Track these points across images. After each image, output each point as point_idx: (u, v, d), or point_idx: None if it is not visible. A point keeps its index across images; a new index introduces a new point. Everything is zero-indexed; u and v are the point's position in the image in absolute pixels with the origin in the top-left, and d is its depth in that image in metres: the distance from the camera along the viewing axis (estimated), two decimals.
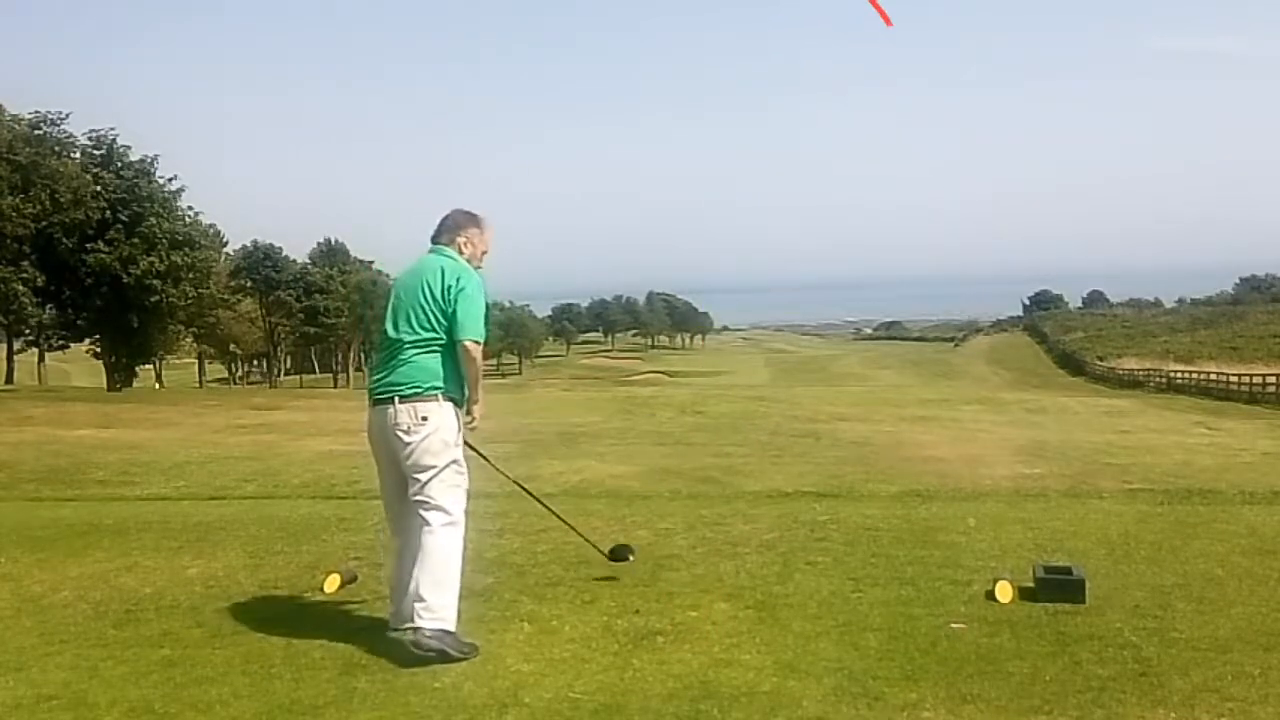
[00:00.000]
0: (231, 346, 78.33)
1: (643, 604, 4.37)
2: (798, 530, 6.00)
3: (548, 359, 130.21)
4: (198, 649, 3.94)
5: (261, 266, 71.93)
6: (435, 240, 4.16)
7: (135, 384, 46.52)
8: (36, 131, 35.72)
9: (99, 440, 16.57)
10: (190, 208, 43.22)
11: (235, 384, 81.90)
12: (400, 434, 3.91)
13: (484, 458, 4.41)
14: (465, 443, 4.10)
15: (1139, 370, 55.58)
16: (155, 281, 38.88)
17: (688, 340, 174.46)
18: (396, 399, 3.92)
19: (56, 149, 36.43)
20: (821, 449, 14.17)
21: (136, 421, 21.89)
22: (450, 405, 3.97)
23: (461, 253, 4.12)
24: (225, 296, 56.37)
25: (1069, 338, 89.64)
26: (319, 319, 74.83)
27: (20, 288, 35.07)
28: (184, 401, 32.63)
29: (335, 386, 75.29)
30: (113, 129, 40.43)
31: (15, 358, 50.06)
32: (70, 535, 6.49)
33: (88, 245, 37.76)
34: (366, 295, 76.99)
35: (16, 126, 35.17)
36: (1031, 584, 4.39)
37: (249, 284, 71.35)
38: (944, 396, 33.71)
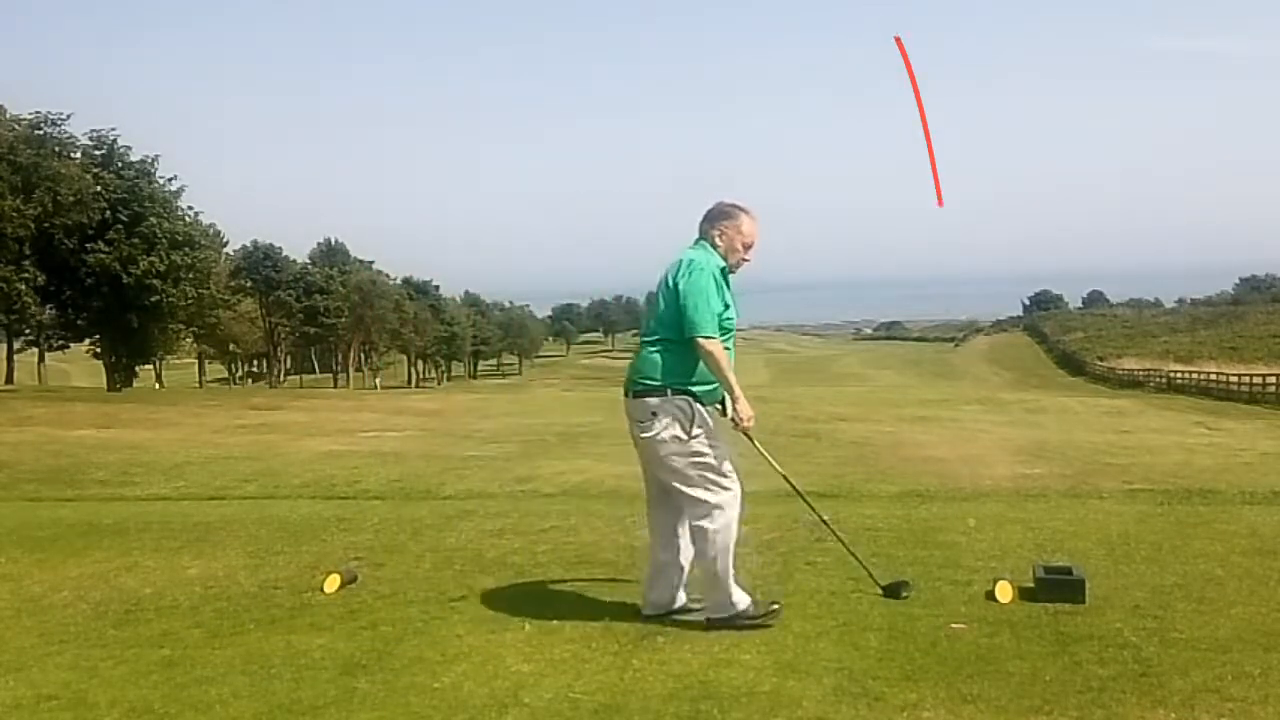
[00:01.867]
0: (231, 346, 78.34)
1: (643, 604, 4.37)
2: (798, 530, 5.99)
3: (548, 359, 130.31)
4: (198, 649, 3.93)
5: (261, 266, 71.98)
6: (699, 232, 4.15)
7: (135, 384, 46.51)
8: (37, 132, 35.71)
9: (99, 440, 16.57)
10: (190, 208, 43.30)
11: (235, 384, 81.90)
12: (636, 429, 4.01)
13: (761, 451, 4.34)
14: (747, 435, 4.09)
15: (1139, 370, 55.58)
16: (155, 281, 38.88)
17: None
18: (631, 394, 4.02)
19: (58, 149, 36.44)
20: (822, 449, 14.16)
21: (136, 421, 21.88)
22: (682, 399, 3.96)
23: (717, 246, 4.08)
24: (225, 296, 56.31)
25: (1069, 338, 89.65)
26: (319, 319, 74.87)
27: (23, 287, 35.10)
28: (184, 401, 32.62)
29: (335, 386, 75.30)
30: (113, 129, 40.52)
31: (15, 358, 50.06)
32: (70, 535, 6.49)
33: (88, 245, 37.76)
34: (366, 295, 77.09)
35: (17, 127, 35.18)
36: (1031, 584, 4.38)
37: (249, 284, 71.37)
38: (944, 397, 33.69)
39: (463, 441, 16.14)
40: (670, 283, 3.99)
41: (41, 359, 56.07)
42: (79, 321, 42.66)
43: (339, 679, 3.54)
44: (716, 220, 4.12)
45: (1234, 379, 38.70)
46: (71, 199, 35.07)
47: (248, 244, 73.06)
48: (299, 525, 6.70)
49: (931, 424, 20.30)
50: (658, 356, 3.99)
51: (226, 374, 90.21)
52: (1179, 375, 47.11)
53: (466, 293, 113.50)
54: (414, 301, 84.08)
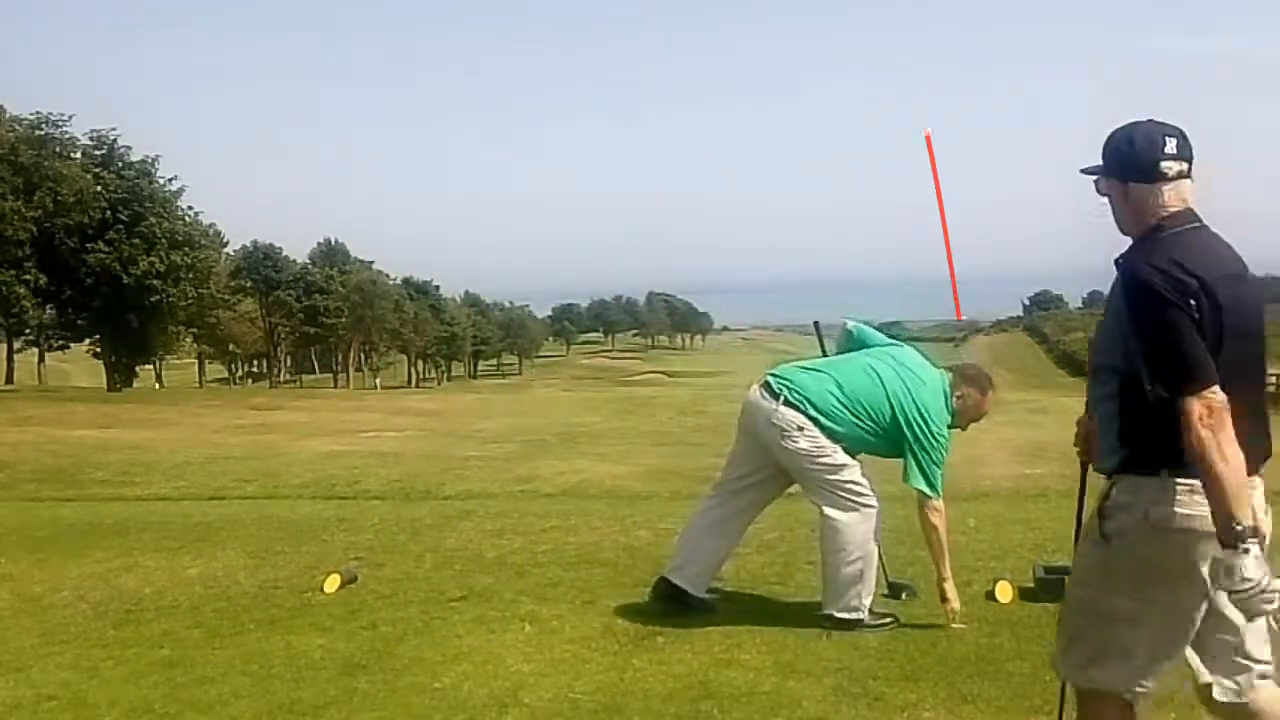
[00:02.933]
0: (231, 346, 78.33)
1: (643, 604, 4.37)
2: (798, 530, 5.98)
3: (548, 359, 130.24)
4: (198, 649, 3.94)
5: (261, 266, 71.92)
6: (949, 369, 4.25)
7: (135, 384, 46.51)
8: (38, 133, 35.71)
9: (99, 440, 16.56)
10: (190, 208, 43.28)
11: (235, 384, 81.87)
12: (776, 435, 4.06)
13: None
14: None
15: None
16: (155, 281, 38.85)
17: (688, 340, 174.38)
18: (783, 399, 4.06)
19: (58, 150, 36.44)
20: None
21: (136, 421, 21.87)
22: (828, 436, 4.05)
23: (953, 401, 4.14)
24: (225, 296, 56.32)
25: (1069, 338, 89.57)
26: (319, 319, 74.83)
27: (22, 290, 35.11)
28: (184, 401, 32.62)
29: (335, 387, 75.28)
30: (114, 129, 40.51)
31: (15, 358, 50.08)
32: (70, 535, 6.50)
33: (88, 245, 37.74)
34: (366, 295, 77.07)
35: (17, 128, 35.19)
36: (1031, 584, 4.39)
37: (249, 284, 71.29)
38: None
39: (463, 442, 16.15)
40: (913, 409, 4.00)
41: (41, 359, 56.07)
42: (79, 321, 42.67)
43: (339, 679, 3.54)
44: (966, 383, 4.19)
45: None
46: (72, 199, 35.07)
47: (248, 244, 72.99)
48: (299, 525, 6.70)
49: None
50: (837, 409, 4.04)
51: (226, 374, 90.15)
52: None
53: (466, 293, 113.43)
54: (414, 301, 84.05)
